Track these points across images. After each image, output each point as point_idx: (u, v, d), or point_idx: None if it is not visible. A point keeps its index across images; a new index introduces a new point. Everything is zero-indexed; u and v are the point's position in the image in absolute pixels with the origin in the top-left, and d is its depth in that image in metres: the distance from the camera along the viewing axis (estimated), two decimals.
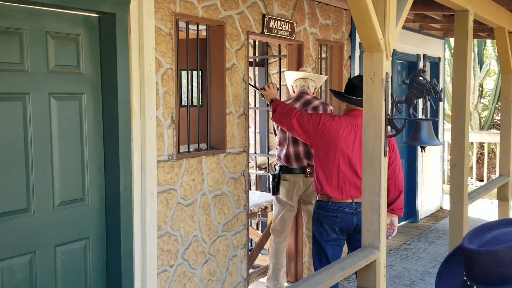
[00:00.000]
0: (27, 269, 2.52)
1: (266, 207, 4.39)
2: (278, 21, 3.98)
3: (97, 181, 2.80)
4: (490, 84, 12.25)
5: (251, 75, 5.14)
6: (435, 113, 7.05)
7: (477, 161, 9.78)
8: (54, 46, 2.56)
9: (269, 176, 5.23)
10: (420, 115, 6.04)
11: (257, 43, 5.43)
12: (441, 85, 7.61)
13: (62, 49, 2.60)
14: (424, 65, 6.86)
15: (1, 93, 2.38)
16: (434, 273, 5.01)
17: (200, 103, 3.55)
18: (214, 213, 3.50)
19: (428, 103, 2.42)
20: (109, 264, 2.86)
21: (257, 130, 5.35)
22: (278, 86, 4.22)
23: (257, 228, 5.52)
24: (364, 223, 2.43)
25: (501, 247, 1.16)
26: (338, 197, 3.34)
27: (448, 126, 8.23)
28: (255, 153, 5.28)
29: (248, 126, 3.80)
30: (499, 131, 4.84)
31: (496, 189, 4.62)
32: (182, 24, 3.36)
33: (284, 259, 4.28)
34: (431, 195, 7.52)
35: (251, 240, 4.90)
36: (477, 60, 10.88)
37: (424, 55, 6.86)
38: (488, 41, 11.22)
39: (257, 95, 5.22)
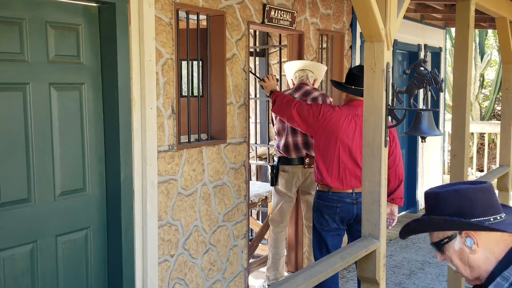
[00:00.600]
0: (28, 259, 2.54)
1: (266, 197, 4.41)
2: (279, 11, 3.96)
3: (98, 171, 2.81)
4: (491, 74, 12.22)
5: (251, 65, 5.13)
6: (436, 103, 7.03)
7: (478, 152, 9.78)
8: (54, 36, 2.56)
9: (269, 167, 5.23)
10: (420, 105, 6.03)
11: (257, 33, 5.41)
12: (442, 75, 7.60)
13: (62, 39, 2.59)
14: (425, 55, 6.83)
15: (1, 83, 2.38)
16: (434, 263, 5.03)
17: (201, 93, 3.55)
18: (214, 203, 3.51)
19: (429, 93, 2.42)
20: (110, 254, 2.87)
21: (258, 121, 5.35)
22: (278, 78, 4.21)
23: (258, 218, 5.54)
24: (364, 213, 2.44)
25: (441, 191, 1.65)
26: (339, 187, 3.34)
27: (448, 116, 8.22)
28: (256, 143, 5.28)
29: (249, 117, 3.80)
30: (499, 122, 4.84)
31: (496, 180, 4.63)
32: (182, 14, 3.35)
33: (284, 249, 4.30)
34: (431, 185, 7.51)
35: (252, 230, 4.92)
36: (478, 50, 10.85)
37: (425, 45, 6.83)
38: (490, 31, 11.17)
39: (258, 85, 5.21)
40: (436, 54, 7.33)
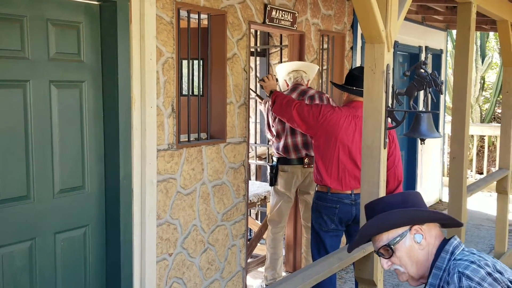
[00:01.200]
0: (27, 256, 2.54)
1: (265, 197, 4.41)
2: (280, 11, 3.97)
3: (97, 169, 2.81)
4: (492, 77, 12.21)
5: (252, 65, 5.13)
6: (436, 105, 7.04)
7: (477, 154, 9.78)
8: (55, 34, 2.56)
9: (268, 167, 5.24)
10: (420, 107, 6.03)
11: (258, 33, 5.41)
12: (442, 78, 7.60)
13: (63, 37, 2.59)
14: (426, 57, 6.83)
15: (1, 80, 2.38)
16: None
17: (201, 93, 3.55)
18: (213, 203, 3.51)
19: (429, 95, 2.42)
20: (109, 252, 2.87)
21: (258, 120, 5.35)
22: (277, 78, 4.21)
23: (256, 218, 5.54)
24: (362, 214, 2.44)
25: (384, 196, 1.84)
26: (338, 188, 3.35)
27: (449, 118, 8.22)
28: (255, 143, 5.28)
29: (249, 116, 3.80)
30: (500, 124, 4.84)
31: (495, 182, 4.63)
32: (183, 13, 3.35)
33: (282, 249, 4.31)
34: (430, 187, 7.53)
35: (250, 229, 4.92)
36: (479, 53, 10.84)
37: (426, 47, 6.83)
38: (491, 33, 11.17)
39: (258, 85, 5.21)
40: (437, 56, 7.33)
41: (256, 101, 5.36)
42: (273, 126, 4.10)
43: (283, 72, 4.12)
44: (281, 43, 5.07)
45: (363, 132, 2.43)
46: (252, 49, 5.09)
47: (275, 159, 4.15)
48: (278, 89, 4.07)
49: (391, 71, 2.38)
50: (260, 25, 3.83)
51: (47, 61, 2.54)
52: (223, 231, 3.64)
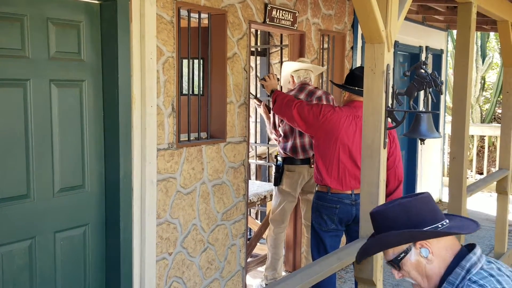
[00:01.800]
0: (27, 255, 2.54)
1: (265, 196, 4.41)
2: (280, 11, 3.96)
3: (97, 168, 2.81)
4: (492, 77, 12.21)
5: (252, 64, 5.13)
6: (436, 105, 7.04)
7: (478, 154, 9.78)
8: (55, 33, 2.56)
9: (269, 166, 5.23)
10: (420, 107, 6.03)
11: (259, 32, 5.41)
12: (443, 78, 7.60)
13: (63, 36, 2.59)
14: (426, 57, 6.83)
15: (1, 79, 2.38)
16: None
17: (201, 92, 3.55)
18: (213, 202, 3.51)
19: (429, 95, 2.42)
20: (108, 251, 2.88)
21: (258, 120, 5.35)
22: (278, 77, 4.20)
23: (256, 218, 5.54)
24: (362, 214, 2.44)
25: (386, 208, 1.67)
26: (338, 188, 3.35)
27: (449, 118, 8.21)
28: (256, 142, 5.28)
29: (249, 116, 3.80)
30: (500, 125, 4.84)
31: (495, 183, 4.63)
32: (183, 12, 3.35)
33: (283, 249, 4.30)
34: (430, 187, 7.53)
35: (250, 229, 4.92)
36: (480, 53, 10.84)
37: (427, 47, 6.83)
38: (492, 33, 11.16)
39: (259, 85, 5.21)
40: (438, 56, 7.33)
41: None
42: (279, 126, 4.09)
43: (290, 69, 4.07)
44: (281, 42, 5.07)
45: (363, 132, 2.43)
46: (253, 49, 5.08)
47: (280, 159, 4.14)
48: (279, 88, 4.06)
49: (391, 71, 2.38)
50: (260, 24, 3.83)
51: (47, 60, 2.54)
52: (223, 230, 3.64)
